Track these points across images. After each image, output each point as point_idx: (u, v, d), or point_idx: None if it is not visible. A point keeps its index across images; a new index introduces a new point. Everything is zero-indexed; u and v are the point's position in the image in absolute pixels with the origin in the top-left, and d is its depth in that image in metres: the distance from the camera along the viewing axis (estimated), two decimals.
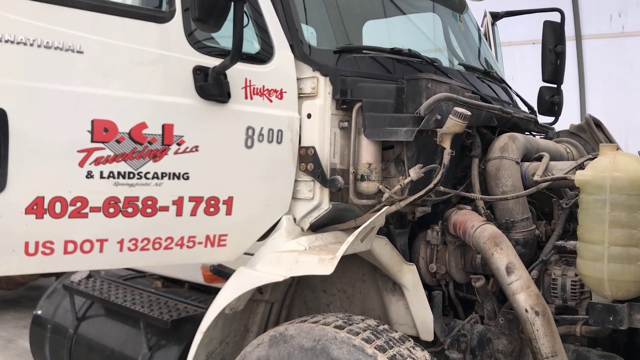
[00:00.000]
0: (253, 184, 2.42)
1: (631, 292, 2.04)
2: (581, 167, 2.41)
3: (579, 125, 3.41)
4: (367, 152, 2.48)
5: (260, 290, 2.73)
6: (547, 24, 3.88)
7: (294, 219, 2.55)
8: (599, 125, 3.38)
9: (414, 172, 2.38)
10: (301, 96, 2.51)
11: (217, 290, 2.58)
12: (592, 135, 3.31)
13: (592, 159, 2.42)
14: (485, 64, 3.71)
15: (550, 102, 4.05)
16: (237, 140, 2.34)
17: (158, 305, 3.18)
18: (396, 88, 2.54)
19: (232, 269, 2.57)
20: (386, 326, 2.28)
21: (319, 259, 2.16)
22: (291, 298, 3.00)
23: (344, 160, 2.53)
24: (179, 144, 2.21)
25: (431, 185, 2.40)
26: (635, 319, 2.09)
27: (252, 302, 2.81)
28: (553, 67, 3.98)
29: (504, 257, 2.29)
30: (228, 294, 2.40)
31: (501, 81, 3.72)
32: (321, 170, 2.44)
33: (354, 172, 2.49)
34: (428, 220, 2.81)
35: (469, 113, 2.32)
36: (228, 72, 2.27)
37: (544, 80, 4.06)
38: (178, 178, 2.23)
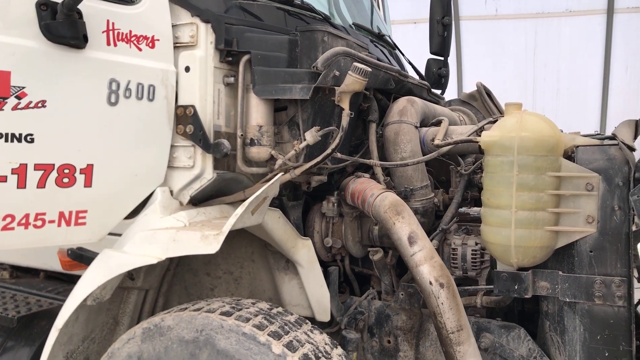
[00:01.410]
0: (119, 150, 2.02)
1: (537, 258, 1.95)
2: (482, 130, 2.30)
3: (470, 94, 3.37)
4: (257, 112, 2.17)
5: (131, 276, 2.35)
6: None
7: (171, 192, 2.19)
8: (488, 94, 3.35)
9: (311, 136, 2.12)
10: (178, 46, 2.13)
11: (79, 278, 2.15)
12: (483, 103, 3.28)
13: (493, 122, 2.32)
14: (378, 30, 3.54)
15: (438, 74, 4.00)
16: (98, 96, 1.93)
17: (2, 300, 2.64)
18: (289, 40, 2.24)
19: (94, 252, 2.15)
20: (280, 309, 2.02)
21: (201, 235, 1.83)
22: (169, 283, 2.64)
23: (230, 122, 2.20)
24: (18, 98, 1.76)
25: (329, 151, 2.16)
26: (538, 286, 2.02)
27: (122, 290, 2.41)
28: (440, 39, 3.93)
29: (405, 226, 2.11)
30: (90, 282, 1.99)
31: (394, 47, 3.58)
32: (203, 134, 2.10)
33: (242, 135, 2.17)
34: (321, 192, 2.58)
35: (370, 69, 2.10)
36: (85, 11, 1.86)
37: (431, 53, 4.00)
38: (19, 140, 1.78)
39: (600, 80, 10.51)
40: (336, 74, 2.13)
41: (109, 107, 1.95)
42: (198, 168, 2.15)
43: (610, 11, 10.17)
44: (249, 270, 2.61)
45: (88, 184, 1.96)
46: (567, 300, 1.93)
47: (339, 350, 1.92)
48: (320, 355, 1.82)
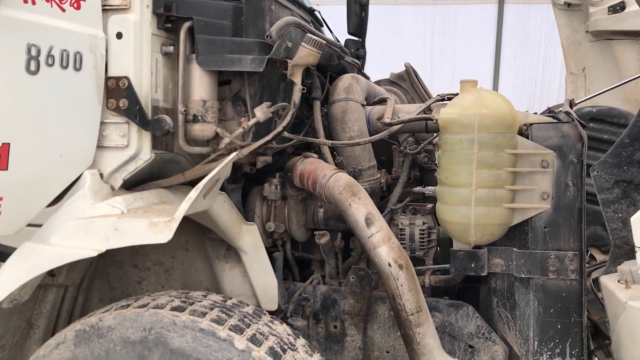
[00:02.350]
0: (40, 126, 1.73)
1: (494, 235, 1.96)
2: (429, 109, 2.27)
3: (399, 74, 3.36)
4: (201, 85, 1.97)
5: (51, 272, 2.05)
6: None
7: (101, 175, 1.93)
8: (416, 75, 3.36)
9: (261, 112, 1.96)
10: (107, 8, 1.86)
11: None
12: (411, 84, 3.28)
13: (441, 100, 2.30)
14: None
15: (356, 55, 3.97)
16: (14, 63, 1.63)
17: None
18: (233, 7, 2.05)
19: (10, 247, 1.84)
20: (234, 300, 1.87)
21: (149, 223, 1.63)
22: (90, 278, 2.36)
23: (168, 96, 1.98)
24: None
25: (280, 128, 2.01)
26: (493, 263, 2.03)
27: (38, 289, 2.10)
28: (358, 20, 3.91)
29: (362, 207, 2.03)
30: (8, 282, 1.70)
31: (321, 24, 3.48)
32: (140, 109, 1.86)
33: (184, 111, 1.95)
34: (259, 174, 2.43)
35: (324, 42, 1.98)
36: None
37: (349, 33, 3.97)
38: None
39: (492, 67, 11.21)
40: (289, 45, 1.98)
41: (28, 76, 1.66)
42: (133, 148, 1.91)
43: (501, 1, 10.84)
44: (182, 260, 2.40)
45: (3, 166, 1.66)
46: (523, 276, 1.96)
47: (302, 340, 1.81)
48: (286, 347, 1.70)
